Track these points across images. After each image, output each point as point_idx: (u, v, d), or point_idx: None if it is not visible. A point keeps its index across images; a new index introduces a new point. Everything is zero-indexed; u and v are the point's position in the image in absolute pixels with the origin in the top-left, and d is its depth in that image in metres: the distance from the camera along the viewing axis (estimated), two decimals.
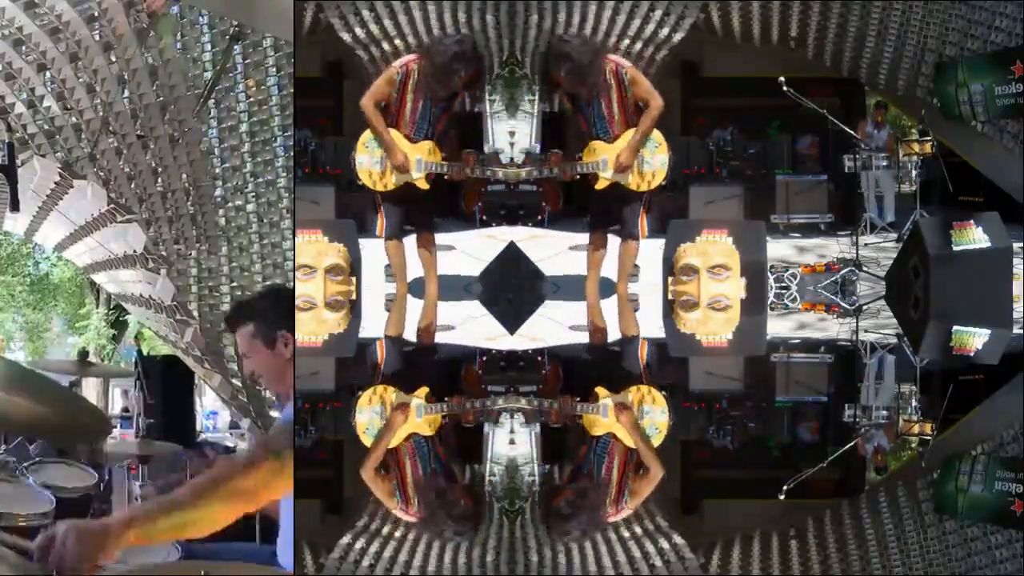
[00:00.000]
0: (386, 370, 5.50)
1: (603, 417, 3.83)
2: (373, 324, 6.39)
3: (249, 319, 3.20)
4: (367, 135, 5.83)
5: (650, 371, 5.74)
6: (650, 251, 6.63)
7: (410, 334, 6.19)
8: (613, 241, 6.16)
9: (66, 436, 2.70)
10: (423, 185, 5.71)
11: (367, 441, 4.04)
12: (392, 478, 3.59)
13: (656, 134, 5.76)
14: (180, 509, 2.23)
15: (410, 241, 6.19)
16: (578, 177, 5.65)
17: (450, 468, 3.49)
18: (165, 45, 6.96)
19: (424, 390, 3.99)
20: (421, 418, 3.77)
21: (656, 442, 4.11)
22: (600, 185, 5.73)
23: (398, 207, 5.98)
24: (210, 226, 7.43)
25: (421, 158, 5.65)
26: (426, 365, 5.79)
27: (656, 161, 5.73)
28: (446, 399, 3.76)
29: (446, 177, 5.63)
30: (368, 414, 4.34)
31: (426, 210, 5.97)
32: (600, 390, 4.12)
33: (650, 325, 6.47)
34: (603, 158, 5.61)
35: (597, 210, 6.08)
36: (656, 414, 4.49)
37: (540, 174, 5.90)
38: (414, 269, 6.25)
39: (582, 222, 6.46)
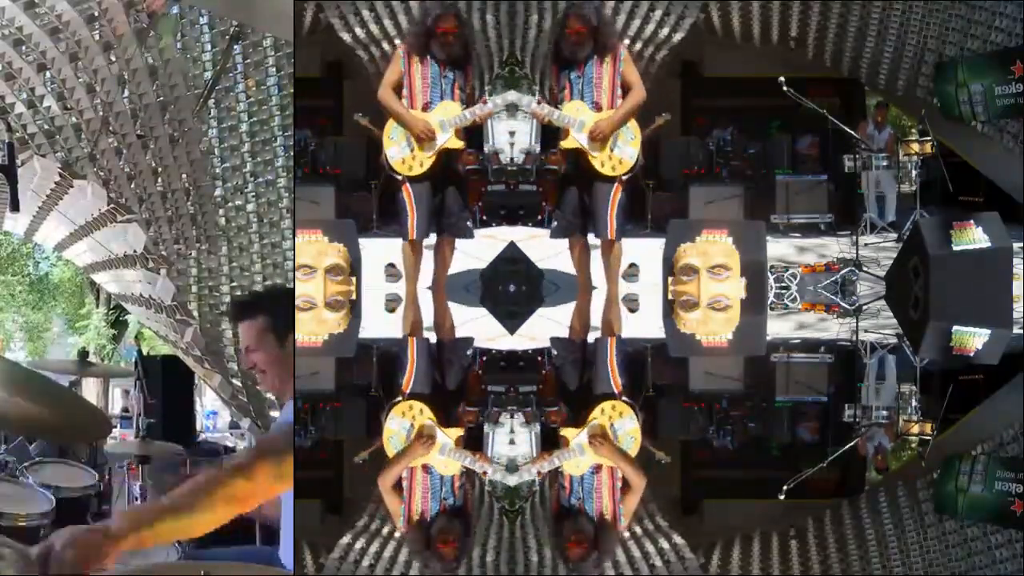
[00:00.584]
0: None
1: (581, 456, 3.78)
2: (373, 324, 6.40)
3: (260, 313, 3.22)
4: (388, 128, 5.80)
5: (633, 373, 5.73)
6: (650, 251, 6.64)
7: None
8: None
9: (66, 436, 2.69)
10: (456, 143, 5.69)
11: (388, 448, 4.01)
12: (403, 497, 3.55)
13: (634, 127, 5.77)
14: (177, 513, 2.23)
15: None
16: (548, 123, 5.61)
17: (461, 511, 3.42)
18: (165, 45, 6.95)
19: (457, 433, 3.93)
20: (444, 455, 3.72)
21: (634, 448, 4.08)
22: (568, 144, 5.73)
23: (429, 203, 5.98)
24: (210, 226, 7.43)
25: (443, 119, 5.65)
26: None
27: (627, 151, 5.76)
28: (469, 454, 3.67)
29: (475, 122, 5.57)
30: (397, 424, 4.31)
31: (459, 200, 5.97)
32: (566, 433, 4.07)
33: (650, 325, 6.48)
34: (581, 119, 5.59)
35: (562, 200, 6.12)
36: (627, 424, 4.44)
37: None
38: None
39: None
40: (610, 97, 5.72)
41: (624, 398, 4.98)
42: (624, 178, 5.92)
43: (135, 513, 2.50)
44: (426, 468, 3.69)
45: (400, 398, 4.81)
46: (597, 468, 3.76)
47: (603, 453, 3.88)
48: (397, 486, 3.64)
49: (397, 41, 6.14)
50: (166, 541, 2.48)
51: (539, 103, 5.62)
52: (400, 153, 5.79)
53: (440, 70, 5.65)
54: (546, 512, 3.43)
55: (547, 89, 5.94)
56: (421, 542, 3.18)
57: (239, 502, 2.28)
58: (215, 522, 2.26)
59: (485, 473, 3.45)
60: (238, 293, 7.40)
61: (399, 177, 5.93)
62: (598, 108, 5.74)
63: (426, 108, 5.75)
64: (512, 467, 3.92)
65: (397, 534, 3.31)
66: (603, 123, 5.64)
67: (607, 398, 4.89)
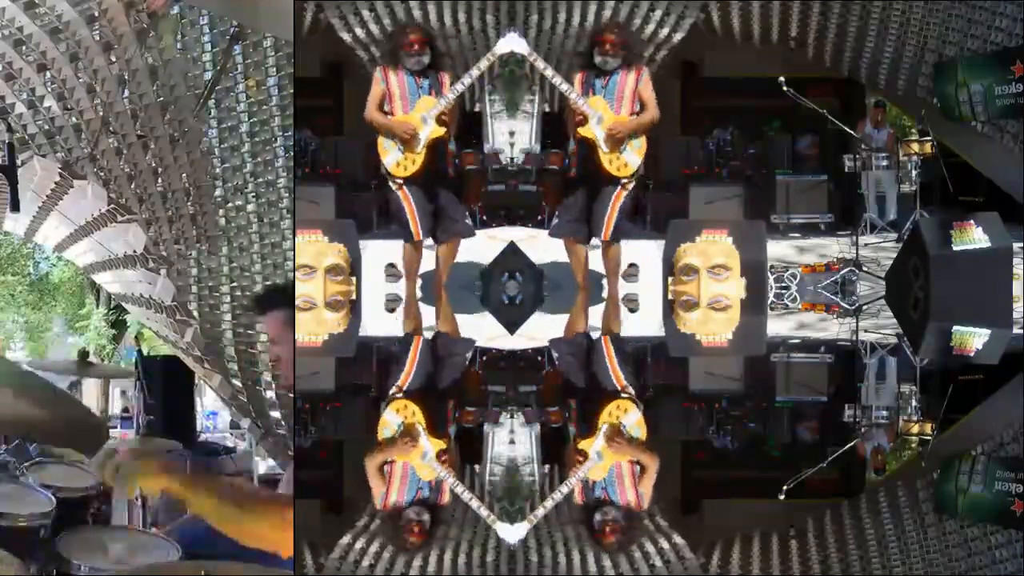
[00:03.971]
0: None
1: (600, 461, 3.93)
2: (373, 324, 6.40)
3: (283, 306, 3.23)
4: (381, 141, 6.13)
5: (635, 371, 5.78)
6: (650, 251, 6.65)
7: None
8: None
9: (60, 441, 2.69)
10: (438, 132, 5.99)
11: (380, 435, 4.22)
12: (385, 482, 3.72)
13: (642, 140, 6.10)
14: (224, 499, 2.42)
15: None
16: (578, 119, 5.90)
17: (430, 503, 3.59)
18: (165, 45, 6.95)
19: (440, 445, 4.08)
20: (425, 460, 3.89)
21: (642, 435, 4.27)
22: (585, 133, 5.99)
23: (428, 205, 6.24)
24: (210, 226, 7.42)
25: (423, 114, 5.96)
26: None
27: (632, 158, 6.07)
28: (446, 469, 3.82)
29: (447, 111, 5.91)
30: (392, 417, 4.45)
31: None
32: (583, 444, 4.17)
33: (650, 325, 6.48)
34: (600, 113, 5.90)
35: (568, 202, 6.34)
36: (632, 417, 4.58)
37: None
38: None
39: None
40: (629, 110, 6.02)
41: (624, 393, 5.01)
42: (626, 184, 6.15)
43: (194, 474, 2.62)
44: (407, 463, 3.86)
45: (399, 394, 4.84)
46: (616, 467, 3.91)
47: (621, 452, 4.03)
48: (382, 470, 3.79)
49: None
50: (203, 512, 2.54)
51: (578, 101, 5.86)
52: (394, 157, 6.07)
53: (415, 80, 5.99)
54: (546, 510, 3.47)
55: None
56: (391, 528, 3.30)
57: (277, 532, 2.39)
58: (255, 535, 2.40)
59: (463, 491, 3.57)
60: (238, 293, 7.40)
61: (398, 181, 6.15)
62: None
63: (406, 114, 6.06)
64: (512, 467, 3.94)
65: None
66: (621, 125, 5.92)
67: (610, 395, 4.95)
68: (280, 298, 3.34)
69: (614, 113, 6.00)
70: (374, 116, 6.07)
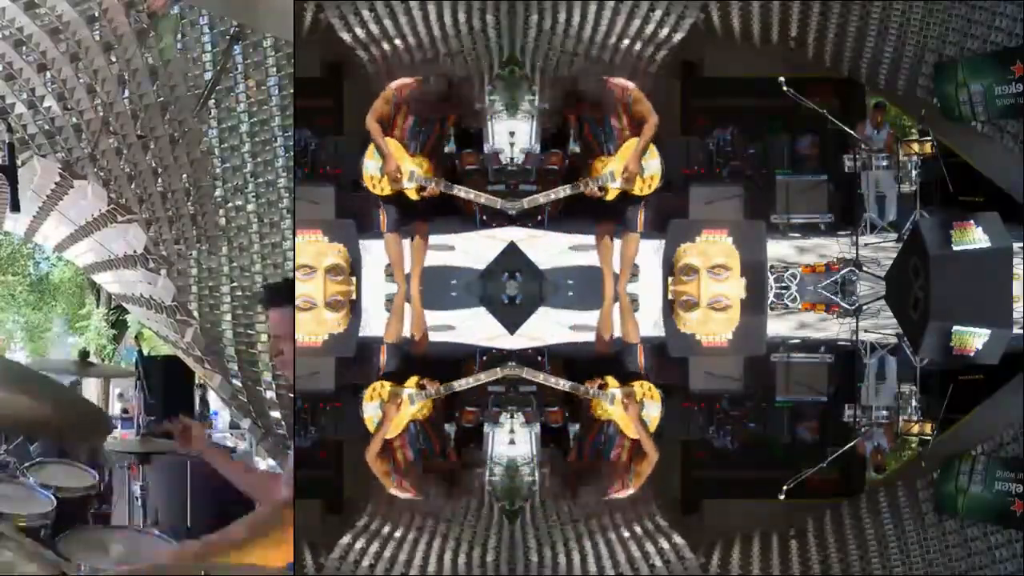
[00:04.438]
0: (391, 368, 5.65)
1: (610, 405, 4.10)
2: (373, 324, 6.40)
3: (290, 302, 3.23)
4: (371, 148, 6.28)
5: (648, 371, 5.82)
6: (650, 251, 6.64)
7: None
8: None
9: (67, 436, 2.71)
10: (412, 196, 6.19)
11: (371, 427, 4.33)
12: (388, 460, 3.88)
13: (652, 147, 6.26)
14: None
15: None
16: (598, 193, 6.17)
17: (438, 446, 3.88)
18: (166, 45, 6.95)
19: (414, 379, 4.21)
20: (415, 405, 3.98)
21: (651, 427, 4.40)
22: (611, 197, 6.20)
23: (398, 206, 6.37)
24: (210, 226, 7.42)
25: (415, 170, 6.15)
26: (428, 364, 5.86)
27: (651, 166, 6.24)
28: (426, 386, 3.99)
29: (425, 194, 6.16)
30: (372, 409, 4.58)
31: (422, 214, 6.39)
32: (610, 379, 4.53)
33: (650, 325, 6.48)
34: (610, 170, 6.12)
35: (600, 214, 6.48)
36: (652, 408, 4.73)
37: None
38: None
39: (581, 222, 6.52)
40: (631, 134, 6.25)
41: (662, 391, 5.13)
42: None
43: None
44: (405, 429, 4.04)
45: (363, 391, 4.90)
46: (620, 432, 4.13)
47: (628, 414, 4.29)
48: (381, 454, 3.92)
49: (403, 78, 6.43)
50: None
51: (585, 185, 6.12)
52: (373, 170, 6.26)
53: (419, 124, 6.21)
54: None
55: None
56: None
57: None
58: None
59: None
60: (239, 293, 7.40)
61: (367, 190, 6.34)
62: (618, 149, 6.26)
63: (404, 147, 6.26)
64: (512, 465, 3.95)
65: (397, 533, 3.32)
66: (630, 164, 6.14)
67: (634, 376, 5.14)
68: (286, 293, 3.34)
69: (616, 149, 6.19)
70: (373, 130, 6.25)
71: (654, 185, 6.26)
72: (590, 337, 6.28)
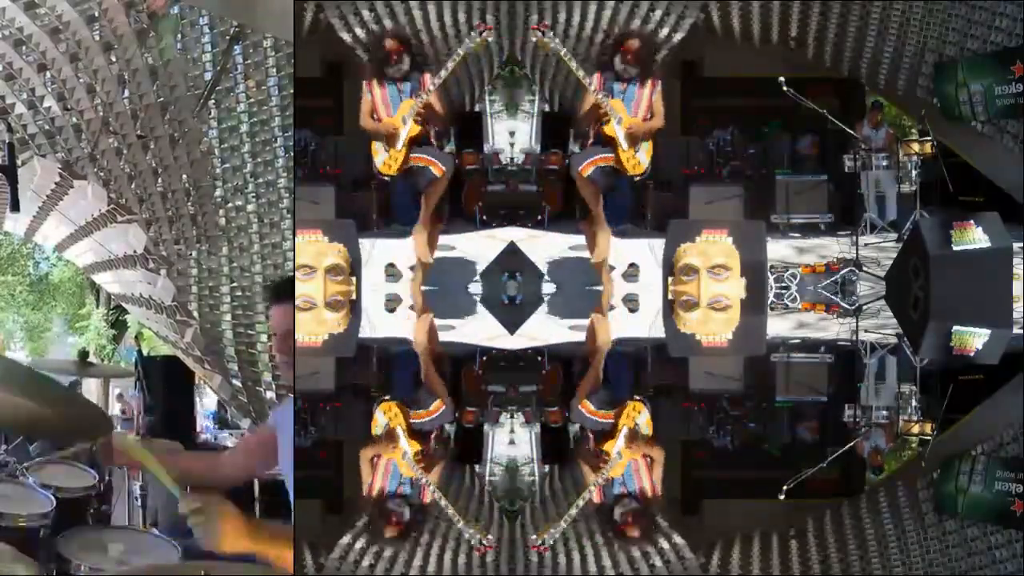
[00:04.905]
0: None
1: (620, 460, 4.25)
2: (373, 324, 6.40)
3: (292, 299, 3.23)
4: (373, 144, 6.55)
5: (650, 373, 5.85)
6: (650, 251, 6.65)
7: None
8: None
9: (67, 436, 2.71)
10: (415, 130, 6.47)
11: (373, 431, 4.43)
12: (373, 474, 3.96)
13: (650, 143, 6.64)
14: None
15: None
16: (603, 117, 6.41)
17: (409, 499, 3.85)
18: (165, 45, 6.96)
19: (416, 447, 4.34)
20: (405, 459, 4.19)
21: (649, 431, 4.56)
22: (608, 131, 6.46)
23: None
24: (210, 226, 7.43)
25: (404, 116, 6.45)
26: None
27: (643, 157, 6.61)
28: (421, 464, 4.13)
29: (424, 109, 6.40)
30: (381, 417, 4.63)
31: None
32: (608, 446, 4.42)
33: (649, 325, 6.48)
34: (619, 115, 6.46)
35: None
36: (642, 418, 4.80)
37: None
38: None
39: (580, 222, 6.54)
40: (643, 116, 6.58)
41: (636, 397, 5.17)
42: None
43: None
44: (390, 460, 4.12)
45: (384, 400, 4.92)
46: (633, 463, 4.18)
47: (637, 450, 4.32)
48: (372, 462, 4.02)
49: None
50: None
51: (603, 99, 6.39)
52: (382, 159, 6.53)
53: (397, 89, 6.46)
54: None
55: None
56: (375, 517, 3.48)
57: None
58: None
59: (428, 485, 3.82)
60: (238, 294, 7.41)
61: (387, 179, 6.58)
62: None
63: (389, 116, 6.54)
64: (512, 465, 3.95)
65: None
66: (638, 128, 6.47)
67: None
68: (290, 290, 3.34)
69: (631, 116, 6.48)
70: (366, 123, 6.52)
71: (638, 169, 6.58)
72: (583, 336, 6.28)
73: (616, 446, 4.35)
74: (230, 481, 3.34)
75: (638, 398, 5.15)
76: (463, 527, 3.35)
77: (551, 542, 3.27)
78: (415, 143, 6.52)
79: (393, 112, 6.44)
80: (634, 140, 6.43)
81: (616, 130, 6.39)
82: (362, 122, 6.57)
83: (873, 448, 4.50)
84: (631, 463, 4.15)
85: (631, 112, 6.49)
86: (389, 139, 6.39)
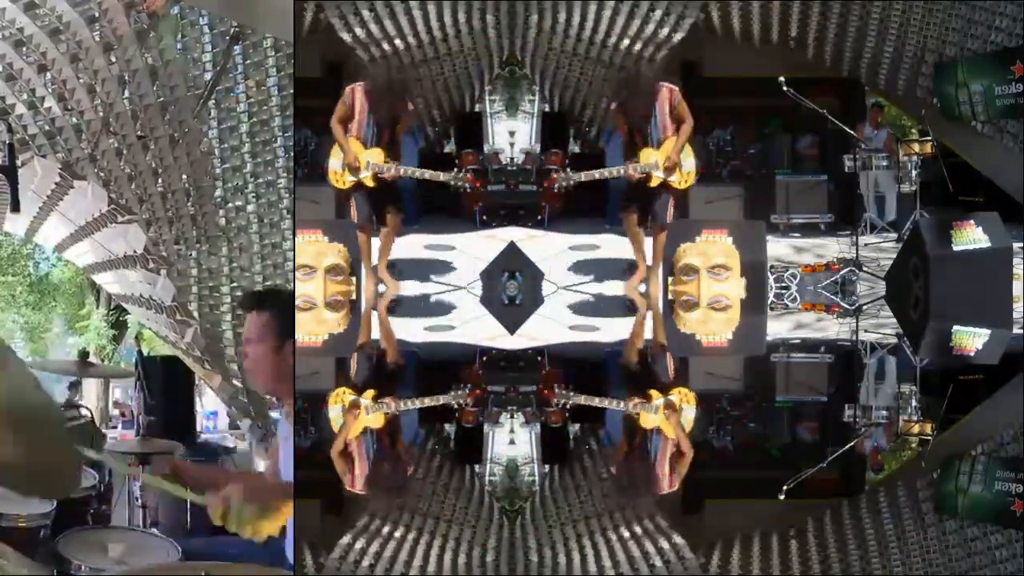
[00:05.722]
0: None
1: (653, 414, 4.60)
2: (373, 324, 6.40)
3: (267, 308, 3.24)
4: (335, 148, 6.56)
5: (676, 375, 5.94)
6: (649, 251, 6.65)
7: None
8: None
9: (29, 488, 2.44)
10: (369, 183, 6.49)
11: (335, 428, 4.54)
12: (348, 460, 4.08)
13: (688, 146, 6.64)
14: None
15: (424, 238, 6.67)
16: (641, 176, 6.58)
17: (392, 454, 4.19)
18: (165, 46, 6.95)
19: (371, 393, 4.72)
20: (371, 414, 4.46)
21: (688, 427, 4.66)
22: (654, 183, 6.55)
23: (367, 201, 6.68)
24: (210, 226, 7.43)
25: (371, 160, 6.44)
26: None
27: (688, 164, 6.57)
28: (384, 400, 4.57)
29: (387, 176, 6.51)
30: (336, 411, 4.74)
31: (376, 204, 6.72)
32: (653, 392, 4.88)
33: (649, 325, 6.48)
34: (654, 160, 6.47)
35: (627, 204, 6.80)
36: (688, 413, 4.92)
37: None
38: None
39: (581, 222, 6.55)
40: (672, 131, 6.60)
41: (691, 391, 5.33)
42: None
43: None
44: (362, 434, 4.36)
45: (328, 396, 5.03)
46: (662, 434, 4.46)
47: (670, 421, 4.60)
48: (343, 453, 4.10)
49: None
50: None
51: (633, 168, 6.58)
52: (336, 167, 6.53)
53: (373, 126, 6.54)
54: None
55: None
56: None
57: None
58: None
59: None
60: (238, 294, 7.40)
61: (334, 186, 6.58)
62: (659, 144, 6.60)
63: (363, 143, 6.57)
64: (512, 465, 3.95)
65: (397, 533, 3.32)
66: (673, 155, 6.51)
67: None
68: (264, 299, 3.35)
69: (658, 143, 6.55)
70: (336, 131, 6.52)
71: (690, 180, 6.56)
72: (591, 337, 6.29)
73: (657, 400, 4.76)
74: None
75: (694, 392, 5.30)
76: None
77: None
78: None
79: (365, 143, 6.50)
80: (676, 165, 6.53)
81: (658, 176, 6.51)
82: (332, 124, 6.56)
83: (875, 448, 4.50)
84: (662, 437, 4.41)
85: (659, 136, 6.58)
86: (349, 166, 6.47)
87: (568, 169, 6.53)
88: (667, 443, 4.35)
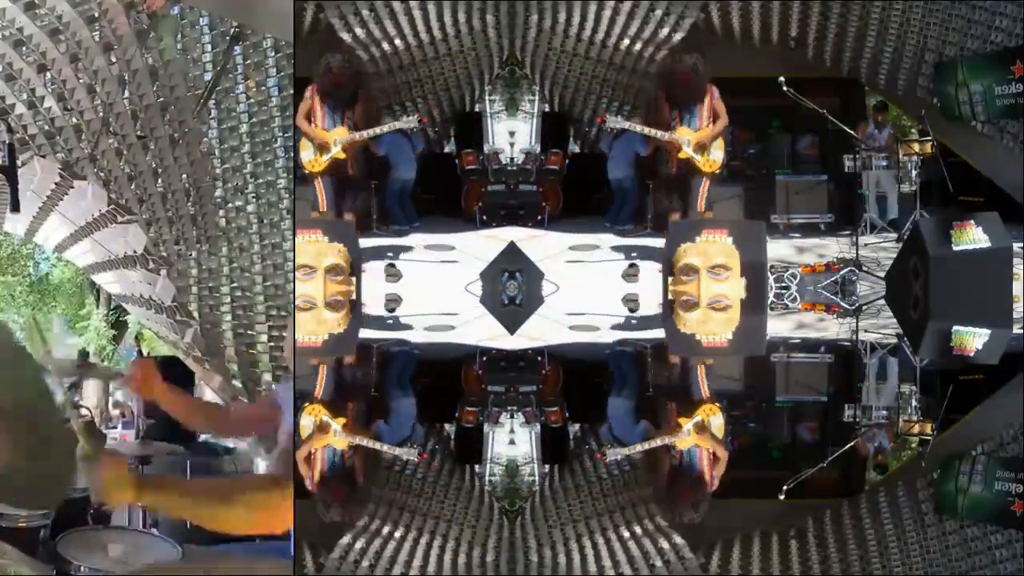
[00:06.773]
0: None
1: (687, 436, 4.70)
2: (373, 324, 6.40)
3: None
4: (303, 142, 6.65)
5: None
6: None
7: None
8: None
9: (23, 498, 2.43)
10: (341, 155, 6.64)
11: (303, 434, 4.60)
12: (311, 468, 4.16)
13: (721, 140, 6.82)
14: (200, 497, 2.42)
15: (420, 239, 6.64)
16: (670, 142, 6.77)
17: (348, 473, 4.26)
18: (165, 46, 6.96)
19: (342, 421, 4.79)
20: (337, 436, 4.57)
21: (720, 433, 4.77)
22: (682, 155, 6.77)
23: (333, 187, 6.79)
24: (210, 227, 7.43)
25: (336, 138, 6.61)
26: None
27: (716, 154, 6.79)
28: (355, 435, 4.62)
29: (358, 137, 6.65)
30: (308, 420, 4.80)
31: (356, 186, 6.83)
32: (682, 420, 4.94)
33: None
34: (687, 138, 6.74)
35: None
36: (716, 421, 5.01)
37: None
38: None
39: (582, 222, 6.55)
40: (708, 122, 6.79)
41: (716, 403, 5.37)
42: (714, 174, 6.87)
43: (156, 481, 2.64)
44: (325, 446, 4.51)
45: (304, 406, 5.07)
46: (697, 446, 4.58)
47: (703, 438, 4.71)
48: (307, 459, 4.19)
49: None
50: (177, 514, 2.67)
51: (651, 130, 6.75)
52: (309, 156, 6.62)
53: (332, 112, 6.62)
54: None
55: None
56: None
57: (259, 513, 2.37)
58: (235, 522, 2.38)
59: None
60: (238, 294, 7.41)
61: (307, 173, 6.67)
62: (698, 130, 6.80)
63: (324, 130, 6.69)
64: (512, 465, 3.95)
65: (397, 533, 3.32)
66: (703, 138, 6.76)
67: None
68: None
69: (696, 131, 6.79)
70: (301, 124, 6.63)
71: (714, 167, 6.76)
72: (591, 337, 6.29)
73: (688, 424, 4.84)
74: (231, 434, 3.53)
75: (718, 405, 5.34)
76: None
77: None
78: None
79: (328, 128, 6.65)
80: (705, 147, 6.75)
81: (687, 151, 6.74)
82: (297, 120, 6.69)
83: (875, 448, 4.50)
84: (697, 448, 4.52)
85: (696, 127, 6.78)
86: (320, 147, 6.63)
87: (608, 115, 6.75)
88: (703, 457, 4.46)
